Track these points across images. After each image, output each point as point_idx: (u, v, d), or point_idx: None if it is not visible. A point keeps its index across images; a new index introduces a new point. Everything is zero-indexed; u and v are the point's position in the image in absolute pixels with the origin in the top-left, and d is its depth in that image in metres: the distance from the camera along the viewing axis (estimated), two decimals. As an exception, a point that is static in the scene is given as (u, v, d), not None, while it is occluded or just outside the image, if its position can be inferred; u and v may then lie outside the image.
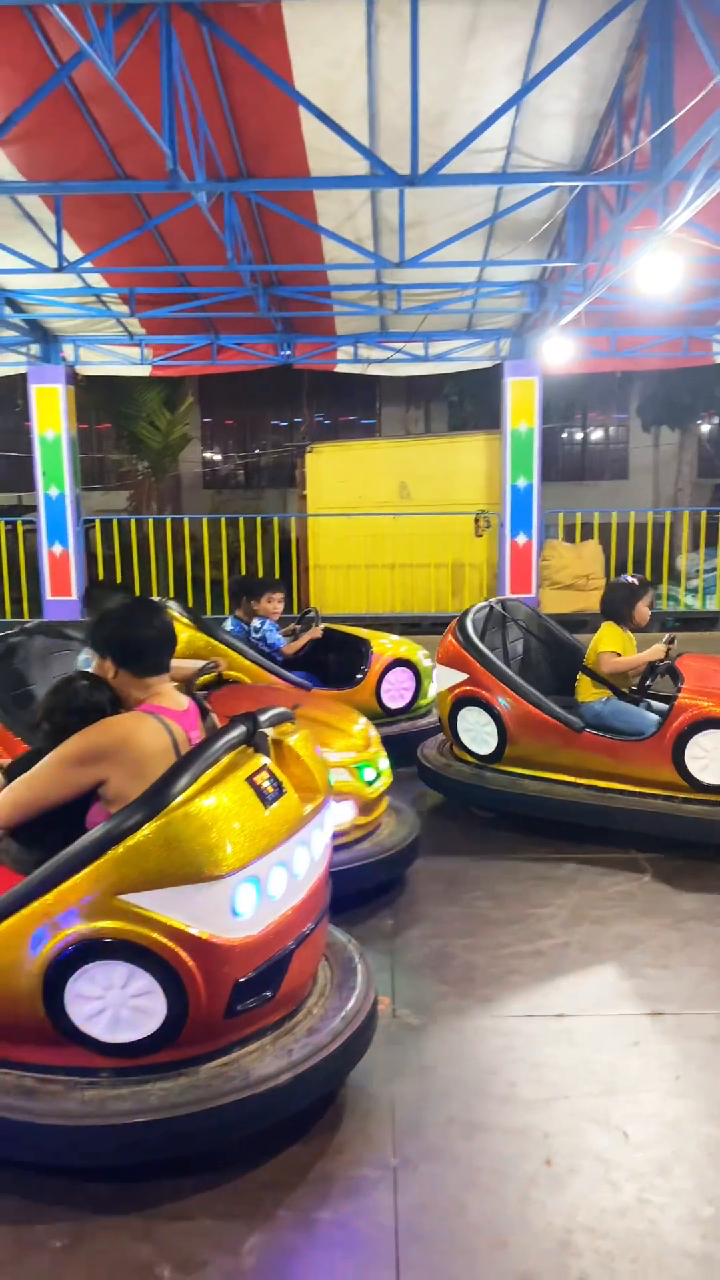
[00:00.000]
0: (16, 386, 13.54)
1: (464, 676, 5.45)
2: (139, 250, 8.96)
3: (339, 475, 12.91)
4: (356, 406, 21.46)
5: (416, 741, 6.08)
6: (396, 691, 6.46)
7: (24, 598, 12.38)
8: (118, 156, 7.32)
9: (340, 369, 12.32)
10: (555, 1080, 3.10)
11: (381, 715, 6.24)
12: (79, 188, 7.41)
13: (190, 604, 12.61)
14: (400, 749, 5.73)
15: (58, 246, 8.08)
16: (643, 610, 5.47)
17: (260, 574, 12.62)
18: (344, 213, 8.44)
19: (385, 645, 6.54)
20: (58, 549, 11.98)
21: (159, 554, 13.19)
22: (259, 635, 6.26)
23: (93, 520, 13.09)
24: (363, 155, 6.35)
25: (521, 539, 11.81)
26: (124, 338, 11.69)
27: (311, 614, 6.79)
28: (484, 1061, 3.22)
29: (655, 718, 5.11)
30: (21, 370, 11.86)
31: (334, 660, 6.61)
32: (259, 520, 13.22)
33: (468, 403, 18.11)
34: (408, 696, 6.52)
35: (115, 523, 13.26)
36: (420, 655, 6.61)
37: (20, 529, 13.07)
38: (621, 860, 4.87)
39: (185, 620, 5.94)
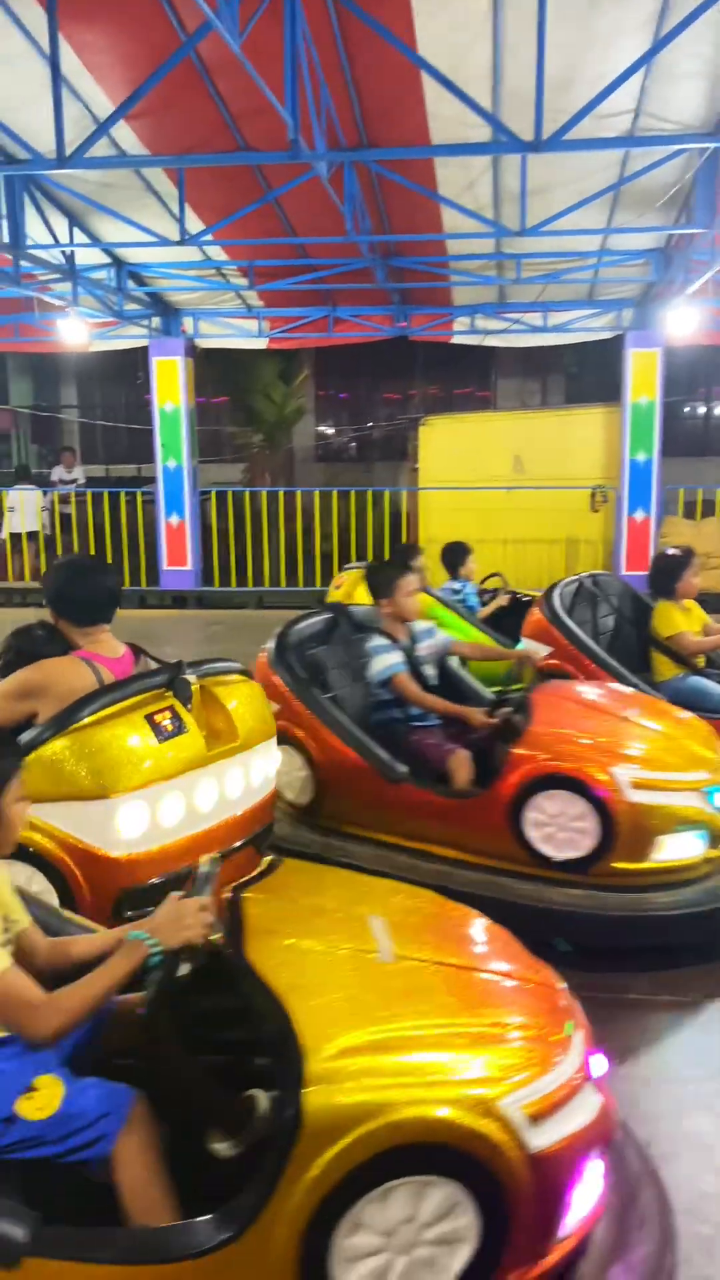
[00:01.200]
0: (138, 359, 13.84)
1: (550, 649, 5.16)
2: (259, 222, 9.03)
3: (452, 448, 12.81)
4: (471, 378, 21.21)
5: None
6: None
7: (141, 567, 12.70)
8: (239, 128, 7.38)
9: (457, 340, 12.21)
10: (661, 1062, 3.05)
11: None
12: (202, 160, 7.49)
13: (301, 577, 12.80)
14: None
15: (180, 219, 8.20)
16: (690, 582, 5.33)
17: (370, 548, 12.66)
18: (464, 181, 8.33)
19: None
20: (175, 520, 12.24)
21: (271, 526, 13.35)
22: (460, 597, 6.33)
23: (209, 492, 13.32)
24: (486, 120, 6.24)
25: (640, 515, 11.54)
26: (242, 310, 11.82)
27: (497, 577, 7.02)
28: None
29: None
30: (143, 343, 12.11)
31: (514, 626, 6.57)
32: (370, 494, 13.24)
33: (587, 375, 17.73)
34: None
35: (230, 495, 13.46)
36: None
37: (140, 500, 13.39)
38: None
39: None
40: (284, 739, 4.01)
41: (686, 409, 21.08)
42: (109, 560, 12.68)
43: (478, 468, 12.55)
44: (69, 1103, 1.83)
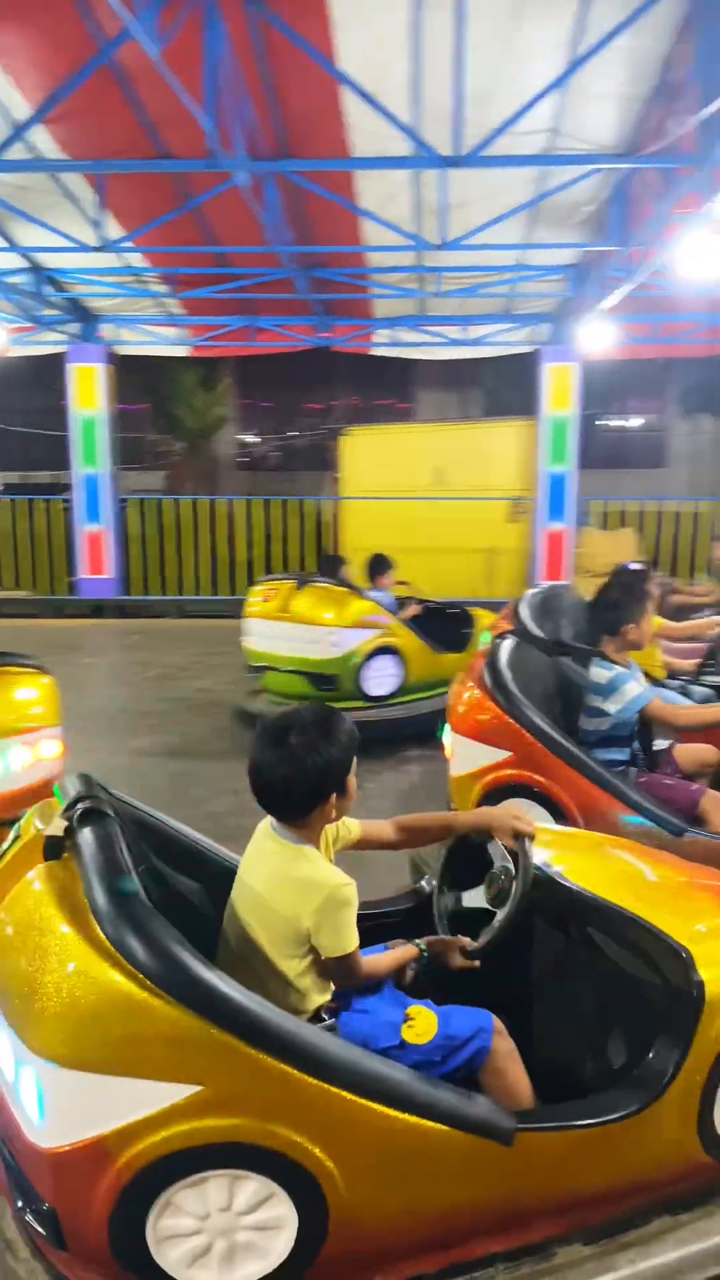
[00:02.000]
0: (56, 365, 13.63)
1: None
2: (179, 230, 8.98)
3: (374, 459, 12.90)
4: (392, 390, 21.40)
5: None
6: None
7: (51, 576, 12.49)
8: (160, 135, 7.33)
9: (377, 352, 12.30)
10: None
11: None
12: (121, 166, 7.42)
13: (225, 584, 12.75)
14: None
15: (99, 225, 8.11)
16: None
17: (292, 556, 12.66)
18: (385, 194, 8.40)
19: (480, 613, 7.01)
20: (94, 528, 12.07)
21: (193, 534, 13.25)
22: (387, 603, 6.54)
23: (128, 499, 13.19)
24: (405, 135, 6.32)
25: (557, 526, 11.76)
26: (163, 317, 11.73)
27: (405, 585, 7.23)
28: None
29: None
30: (61, 349, 11.94)
31: (431, 628, 6.87)
32: (293, 502, 13.24)
33: (505, 388, 18.01)
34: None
35: (151, 502, 13.33)
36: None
37: (52, 508, 13.17)
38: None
39: (342, 589, 6.36)
40: (523, 791, 3.54)
41: (602, 422, 21.56)
42: (20, 569, 12.46)
43: (399, 478, 12.66)
44: (444, 1026, 2.09)
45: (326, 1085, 1.77)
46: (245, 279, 10.30)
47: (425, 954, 2.24)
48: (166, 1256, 1.78)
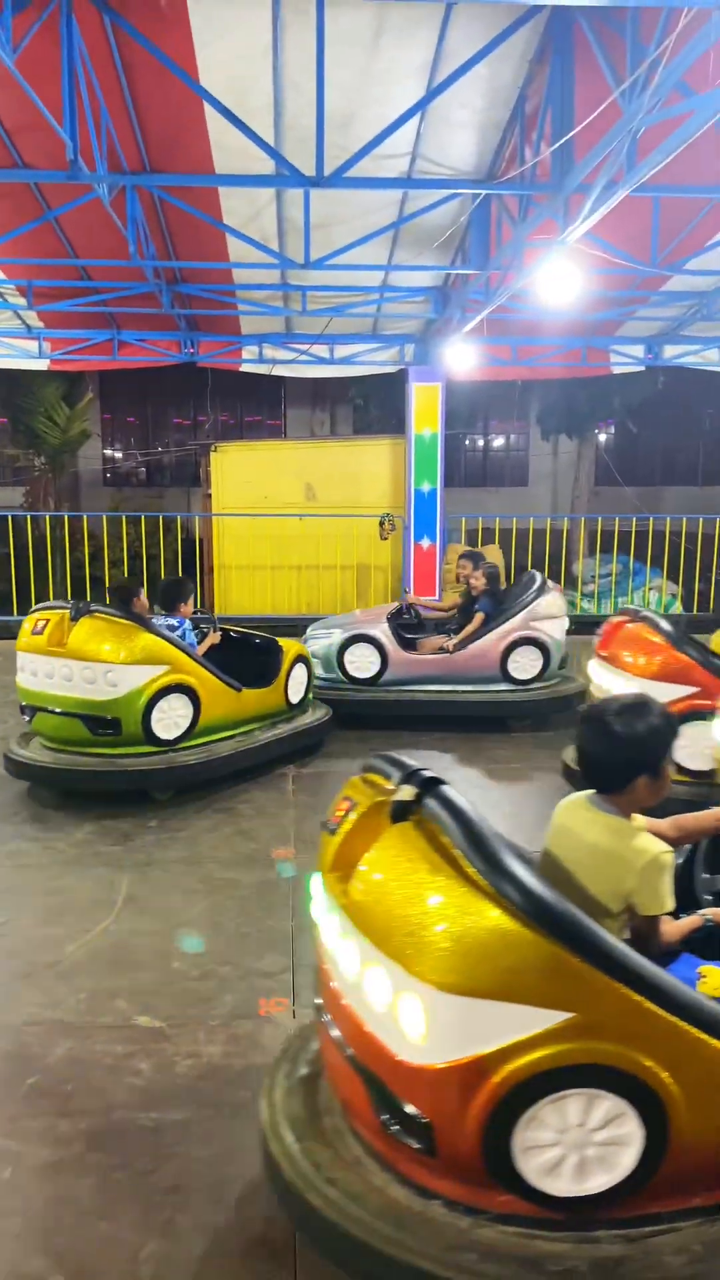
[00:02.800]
0: None
1: None
2: (38, 241, 8.76)
3: (244, 475, 12.84)
4: (262, 407, 21.36)
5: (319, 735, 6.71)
6: (297, 687, 6.70)
7: None
8: (15, 144, 7.14)
9: (245, 369, 12.25)
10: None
11: (287, 710, 6.62)
12: (-25, 174, 7.20)
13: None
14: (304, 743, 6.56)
15: (-48, 234, 7.84)
16: None
17: (163, 574, 12.45)
18: (249, 211, 8.40)
19: (288, 644, 6.73)
20: (-49, 546, 11.61)
21: (56, 552, 12.89)
22: (178, 633, 6.01)
23: (-13, 517, 12.74)
24: (268, 154, 6.33)
25: (425, 542, 11.92)
26: (21, 330, 11.40)
27: (207, 616, 6.96)
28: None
29: None
30: None
31: (235, 660, 6.48)
32: (161, 519, 13.05)
33: (373, 406, 18.20)
34: (302, 691, 6.80)
35: (10, 520, 12.91)
36: (310, 651, 7.04)
37: None
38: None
39: (124, 620, 5.58)
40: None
41: (467, 441, 22.03)
42: None
43: (270, 495, 12.64)
44: None
45: (676, 1020, 2.05)
46: (107, 292, 10.12)
47: (709, 923, 2.53)
48: (527, 1165, 2.06)
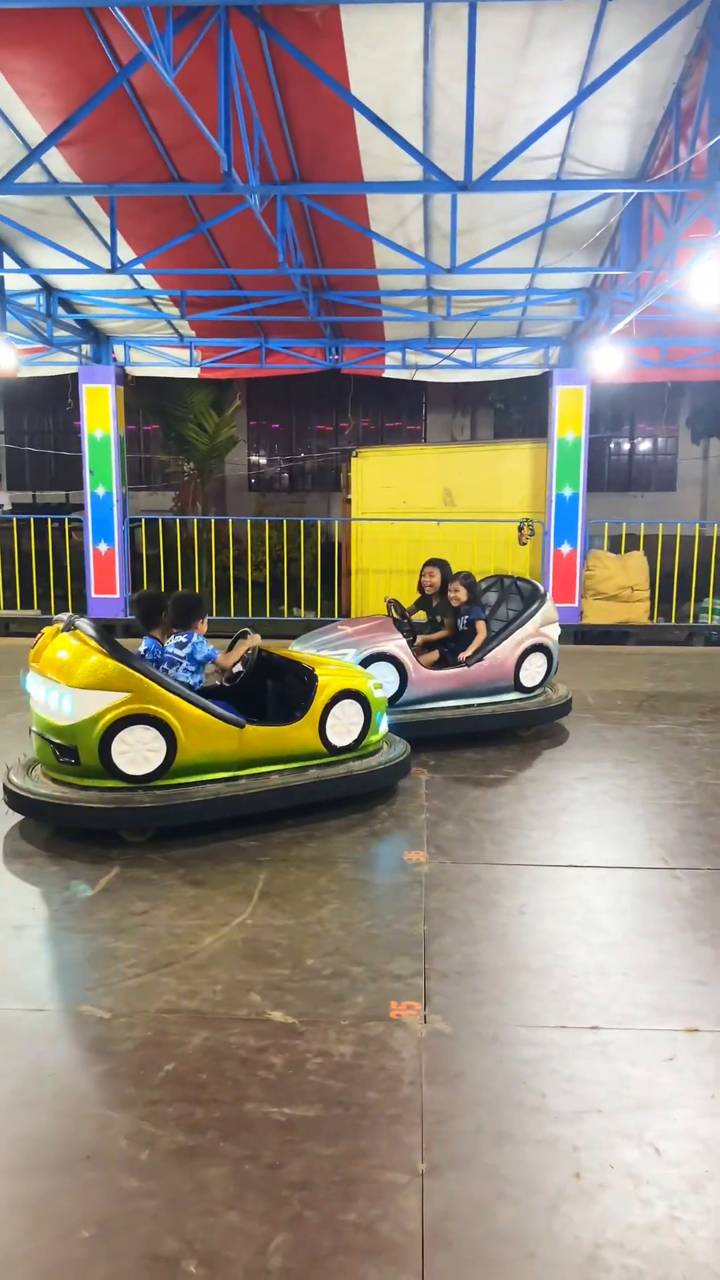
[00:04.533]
0: (67, 385, 13.72)
1: None
2: (191, 252, 9.05)
3: (383, 480, 12.92)
4: (402, 412, 21.47)
5: (374, 785, 5.72)
6: (343, 727, 5.66)
7: (69, 594, 12.53)
8: (173, 159, 7.40)
9: (388, 374, 12.34)
10: (586, 1094, 3.06)
11: (324, 755, 5.62)
12: (134, 189, 7.48)
13: (234, 605, 12.76)
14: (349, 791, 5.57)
15: (111, 248, 8.16)
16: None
17: (303, 578, 12.65)
18: (396, 218, 8.46)
19: (331, 673, 5.76)
20: (103, 547, 12.10)
21: (202, 555, 13.27)
22: (186, 651, 5.44)
23: (138, 520, 13.22)
24: (416, 160, 6.36)
25: (566, 548, 11.74)
26: (174, 339, 11.80)
27: (242, 633, 5.98)
28: (515, 1071, 3.19)
29: None
30: (73, 370, 12.01)
31: (274, 688, 5.94)
32: (302, 523, 13.26)
33: (514, 410, 18.06)
34: (355, 732, 5.71)
35: (160, 522, 13.37)
36: (371, 685, 5.85)
37: (67, 526, 13.23)
38: (655, 873, 4.81)
39: (93, 641, 5.11)
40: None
41: (612, 445, 21.59)
42: (36, 588, 12.48)
43: (409, 500, 12.68)
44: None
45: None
46: (256, 301, 10.36)
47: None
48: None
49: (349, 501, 13.31)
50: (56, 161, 7.42)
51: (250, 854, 4.99)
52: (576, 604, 11.63)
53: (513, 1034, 3.40)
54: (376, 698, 5.81)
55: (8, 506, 14.39)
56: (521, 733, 7.20)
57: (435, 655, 7.14)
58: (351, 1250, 2.45)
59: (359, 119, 6.68)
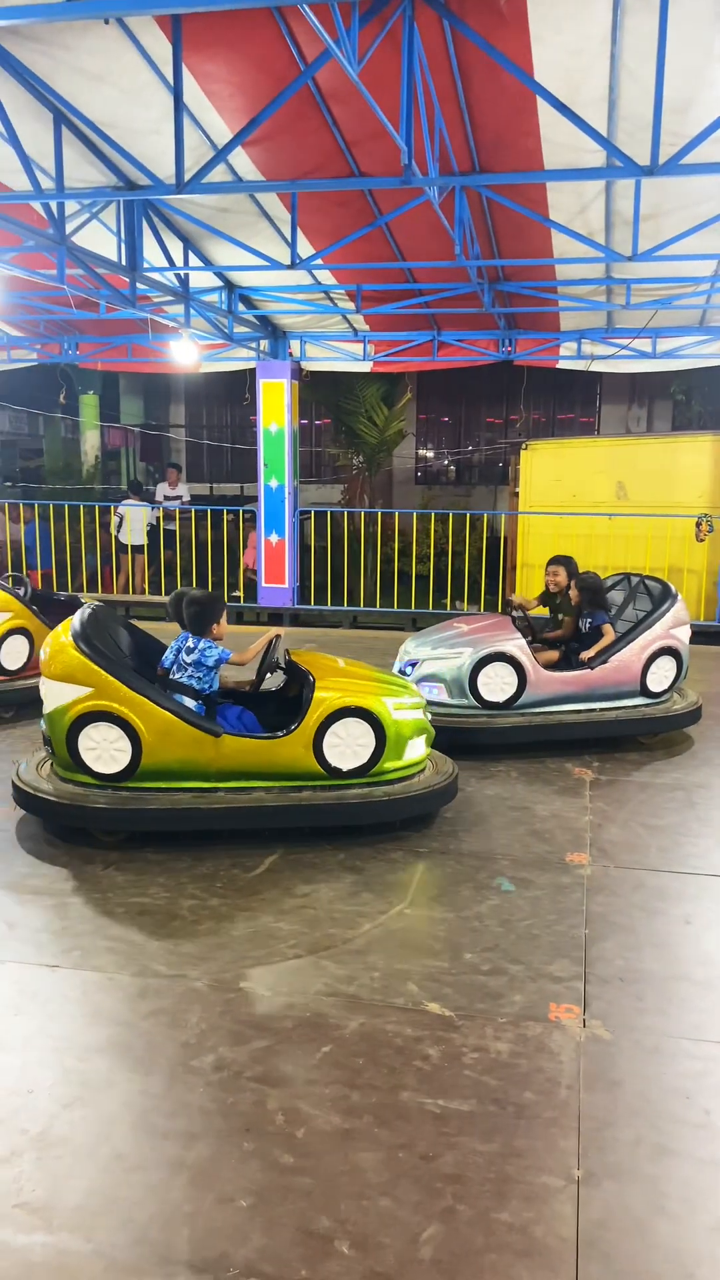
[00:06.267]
0: (244, 380, 14.10)
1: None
2: (368, 247, 9.12)
3: (553, 473, 12.70)
4: (575, 403, 21.01)
5: (371, 817, 5.07)
6: (347, 748, 5.05)
7: (240, 583, 12.89)
8: (353, 154, 7.46)
9: (562, 365, 12.11)
10: (755, 1115, 2.93)
11: (322, 776, 5.05)
12: (316, 185, 7.59)
13: (397, 597, 12.83)
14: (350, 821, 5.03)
15: (292, 244, 8.33)
16: None
17: (467, 571, 12.58)
18: (576, 205, 8.27)
19: (336, 685, 5.11)
20: (274, 538, 12.39)
21: (368, 547, 13.39)
22: (194, 657, 5.08)
23: (308, 512, 13.47)
24: (600, 145, 6.19)
25: (745, 546, 11.23)
26: (348, 334, 11.93)
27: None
28: (677, 1084, 3.08)
29: None
30: (250, 365, 12.33)
31: (292, 697, 5.50)
32: (468, 516, 13.19)
33: (695, 401, 17.39)
34: (364, 755, 5.08)
35: (329, 515, 13.57)
36: (392, 705, 5.13)
37: (241, 517, 13.61)
38: None
39: (70, 634, 5.02)
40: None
41: None
42: (210, 576, 12.91)
43: (579, 493, 12.41)
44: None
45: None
46: (430, 294, 10.35)
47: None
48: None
49: (516, 495, 13.14)
50: (241, 160, 7.61)
51: (409, 844, 5.01)
52: (755, 605, 11.12)
53: (675, 1045, 3.29)
54: (398, 719, 5.10)
55: (187, 498, 14.91)
56: (643, 739, 6.86)
57: (555, 655, 6.91)
58: (504, 1250, 2.42)
59: (541, 106, 6.55)
